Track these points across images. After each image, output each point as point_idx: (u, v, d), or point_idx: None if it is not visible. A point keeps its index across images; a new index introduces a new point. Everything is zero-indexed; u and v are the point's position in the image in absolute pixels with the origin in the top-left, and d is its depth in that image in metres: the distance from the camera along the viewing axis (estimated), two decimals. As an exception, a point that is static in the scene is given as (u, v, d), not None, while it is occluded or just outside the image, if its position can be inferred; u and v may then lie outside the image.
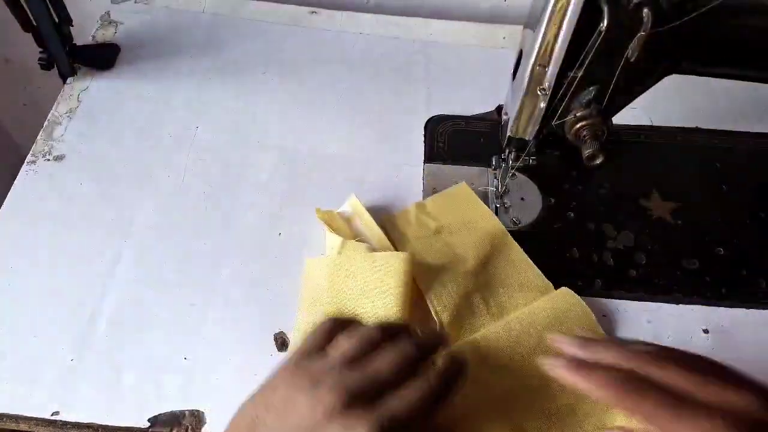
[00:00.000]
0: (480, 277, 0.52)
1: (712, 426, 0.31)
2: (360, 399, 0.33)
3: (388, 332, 0.38)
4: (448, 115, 0.66)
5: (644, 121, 0.66)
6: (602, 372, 0.35)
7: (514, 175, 0.57)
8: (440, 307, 0.50)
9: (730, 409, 0.32)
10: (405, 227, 0.56)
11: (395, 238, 0.55)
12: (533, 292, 0.52)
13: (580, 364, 0.36)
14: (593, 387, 0.34)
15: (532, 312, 0.50)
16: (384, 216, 0.56)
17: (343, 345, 0.37)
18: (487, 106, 0.61)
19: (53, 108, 0.65)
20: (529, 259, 0.54)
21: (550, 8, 0.40)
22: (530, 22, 0.44)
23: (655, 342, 0.45)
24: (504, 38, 0.75)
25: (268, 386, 0.36)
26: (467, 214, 0.57)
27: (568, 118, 0.45)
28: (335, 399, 0.33)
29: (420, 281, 0.51)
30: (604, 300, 0.53)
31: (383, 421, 0.32)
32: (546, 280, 0.53)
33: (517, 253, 0.54)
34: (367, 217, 0.55)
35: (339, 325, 0.39)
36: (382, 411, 0.33)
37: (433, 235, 0.55)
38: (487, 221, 0.56)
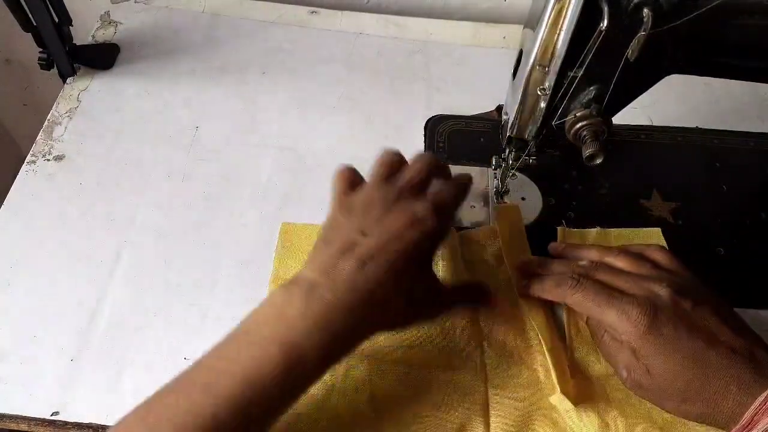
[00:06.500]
0: None
1: (625, 309, 0.42)
2: (408, 194, 0.43)
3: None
4: (448, 115, 0.66)
5: (644, 121, 0.66)
6: (545, 279, 0.48)
7: (514, 175, 0.57)
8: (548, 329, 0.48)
9: (646, 296, 0.42)
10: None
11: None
12: None
13: (531, 281, 0.48)
14: (540, 292, 0.48)
15: None
16: (560, 228, 0.55)
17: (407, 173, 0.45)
18: (487, 106, 0.61)
19: (53, 108, 0.65)
20: None
21: (550, 8, 0.40)
22: (530, 22, 0.44)
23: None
24: (504, 38, 0.75)
25: (355, 212, 0.44)
26: None
27: (568, 118, 0.45)
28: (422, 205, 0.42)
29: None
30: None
31: (433, 199, 0.43)
32: None
33: None
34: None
35: (397, 155, 0.46)
36: (430, 197, 0.43)
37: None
38: None
